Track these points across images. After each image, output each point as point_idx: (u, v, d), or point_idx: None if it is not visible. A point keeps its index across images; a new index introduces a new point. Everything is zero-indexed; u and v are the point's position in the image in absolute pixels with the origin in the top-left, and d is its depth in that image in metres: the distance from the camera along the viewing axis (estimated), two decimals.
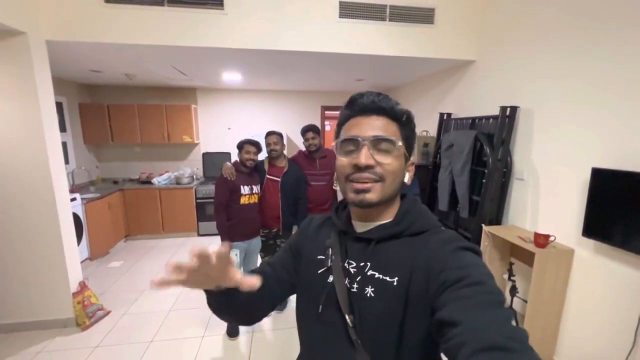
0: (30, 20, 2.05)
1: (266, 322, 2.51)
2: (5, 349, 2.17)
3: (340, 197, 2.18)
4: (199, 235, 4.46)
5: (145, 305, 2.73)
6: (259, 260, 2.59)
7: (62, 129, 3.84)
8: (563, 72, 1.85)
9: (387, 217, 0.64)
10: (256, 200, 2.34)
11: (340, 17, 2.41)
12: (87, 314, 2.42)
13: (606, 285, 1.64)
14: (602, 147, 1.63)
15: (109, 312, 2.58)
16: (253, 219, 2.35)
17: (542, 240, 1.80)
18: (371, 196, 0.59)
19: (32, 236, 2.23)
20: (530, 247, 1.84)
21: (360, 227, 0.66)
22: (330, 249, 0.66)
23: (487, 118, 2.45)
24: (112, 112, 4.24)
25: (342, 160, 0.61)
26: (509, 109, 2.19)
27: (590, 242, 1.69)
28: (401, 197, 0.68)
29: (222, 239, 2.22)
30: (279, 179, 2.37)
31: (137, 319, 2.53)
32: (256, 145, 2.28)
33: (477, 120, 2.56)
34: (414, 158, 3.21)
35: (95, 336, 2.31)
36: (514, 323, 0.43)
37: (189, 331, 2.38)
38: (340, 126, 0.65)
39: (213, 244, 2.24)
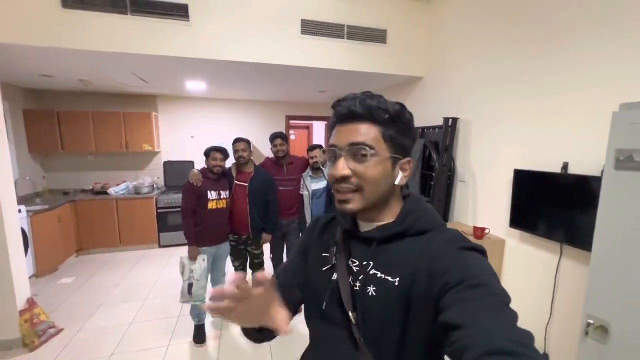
0: None
1: (237, 327, 2.52)
2: None
3: (307, 202, 2.32)
4: (160, 246, 4.31)
5: (102, 320, 2.60)
6: (228, 266, 2.61)
7: None
8: (493, 89, 2.20)
9: (390, 217, 0.63)
10: (224, 206, 2.39)
11: (302, 33, 2.60)
12: (36, 332, 2.26)
13: (529, 268, 1.95)
14: (522, 152, 1.97)
15: (61, 330, 2.42)
16: (221, 224, 2.39)
17: (479, 233, 2.09)
18: (351, 206, 0.60)
19: None
20: (471, 239, 2.11)
21: (364, 227, 0.66)
22: (335, 247, 0.67)
23: (434, 128, 2.76)
24: (63, 119, 4.00)
25: (329, 169, 0.62)
26: (450, 120, 2.51)
27: (517, 232, 2.00)
28: (405, 196, 0.67)
29: (190, 244, 2.24)
30: (246, 184, 2.44)
31: (94, 334, 2.41)
32: (223, 152, 2.35)
33: (425, 130, 2.87)
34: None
35: (46, 356, 2.16)
36: (518, 325, 0.43)
37: (153, 342, 2.32)
38: (330, 135, 0.65)
39: (184, 252, 2.24)
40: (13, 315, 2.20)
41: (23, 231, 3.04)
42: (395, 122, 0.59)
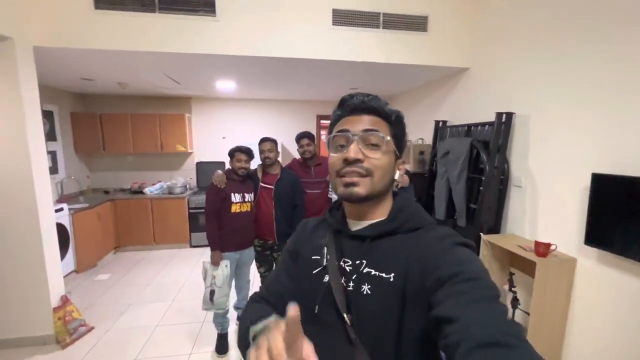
0: (18, 26, 2.01)
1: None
2: None
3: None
4: (191, 246, 4.35)
5: (131, 319, 2.61)
6: (253, 273, 2.49)
7: (52, 137, 3.77)
8: (557, 76, 1.83)
9: (381, 215, 0.64)
10: (249, 209, 2.26)
11: (333, 24, 2.41)
12: (68, 330, 2.29)
13: (611, 296, 1.57)
14: (601, 152, 1.59)
15: (92, 328, 2.45)
16: (245, 228, 2.27)
17: (542, 249, 1.74)
18: (359, 190, 0.60)
19: (11, 247, 2.14)
20: (531, 256, 1.77)
21: (354, 226, 0.66)
22: (325, 249, 0.66)
23: (483, 125, 2.42)
24: (105, 121, 4.19)
25: (333, 157, 0.63)
26: (504, 116, 2.16)
27: (593, 251, 1.63)
28: (393, 195, 0.69)
29: (212, 249, 2.14)
30: (272, 187, 2.30)
31: (121, 334, 2.41)
32: (247, 152, 2.23)
33: (472, 127, 2.53)
34: (410, 166, 3.17)
35: (76, 354, 2.19)
36: (509, 317, 0.43)
37: (176, 348, 2.26)
38: (332, 126, 0.67)
39: (207, 257, 2.16)
40: (47, 312, 2.25)
41: (64, 228, 3.19)
42: (399, 123, 0.65)
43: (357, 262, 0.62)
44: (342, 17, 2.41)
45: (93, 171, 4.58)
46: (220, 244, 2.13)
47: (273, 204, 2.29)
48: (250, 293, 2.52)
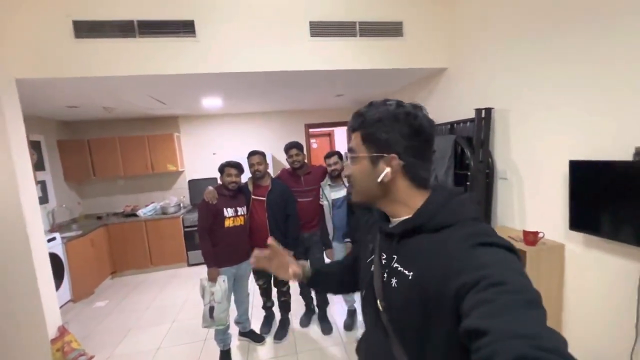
0: None
1: (264, 352, 2.37)
2: None
3: (327, 212, 2.15)
4: (189, 265, 4.31)
5: (131, 345, 2.57)
6: (252, 286, 2.49)
7: (41, 167, 3.75)
8: (532, 69, 1.90)
9: (407, 212, 0.65)
10: (242, 223, 2.27)
11: (311, 36, 2.47)
12: None
13: (601, 279, 1.61)
14: (577, 139, 1.65)
15: (92, 357, 2.41)
16: (240, 242, 2.28)
17: (531, 238, 1.78)
18: (352, 198, 0.74)
19: (3, 280, 2.10)
20: (521, 246, 1.81)
21: (392, 223, 0.69)
22: (373, 242, 0.75)
23: (465, 122, 2.48)
24: (93, 146, 4.18)
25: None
26: (484, 111, 2.23)
27: (580, 236, 1.67)
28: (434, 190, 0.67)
29: (209, 266, 2.14)
30: (264, 199, 2.32)
31: None
32: (237, 167, 2.25)
33: (455, 124, 2.59)
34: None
35: None
36: (544, 325, 0.41)
37: None
38: None
39: (204, 273, 2.16)
40: (45, 344, 2.20)
41: (58, 258, 3.15)
42: (368, 126, 0.65)
43: (390, 256, 0.66)
44: (320, 29, 2.47)
45: (84, 197, 4.54)
46: (216, 260, 2.13)
47: (266, 216, 2.31)
48: (250, 306, 2.53)
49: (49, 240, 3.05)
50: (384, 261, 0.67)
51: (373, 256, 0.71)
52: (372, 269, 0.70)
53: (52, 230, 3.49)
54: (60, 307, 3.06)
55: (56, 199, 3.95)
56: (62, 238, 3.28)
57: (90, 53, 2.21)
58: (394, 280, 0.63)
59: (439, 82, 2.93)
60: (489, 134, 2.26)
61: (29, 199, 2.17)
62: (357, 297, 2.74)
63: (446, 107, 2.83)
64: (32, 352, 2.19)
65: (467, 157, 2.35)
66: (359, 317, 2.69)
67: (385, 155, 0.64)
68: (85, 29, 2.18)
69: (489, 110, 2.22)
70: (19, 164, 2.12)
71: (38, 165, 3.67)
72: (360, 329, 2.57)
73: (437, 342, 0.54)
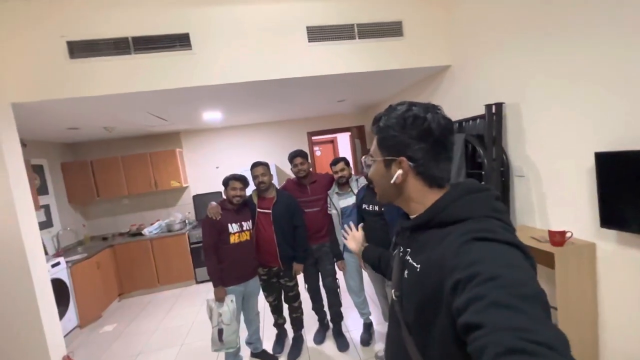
0: None
1: None
2: None
3: (336, 221, 2.04)
4: (197, 282, 4.22)
5: None
6: (262, 304, 2.38)
7: (45, 191, 3.72)
8: (545, 59, 1.79)
9: (422, 210, 0.67)
10: (248, 238, 2.18)
11: (309, 41, 2.41)
12: None
13: (638, 278, 1.47)
14: (602, 129, 1.53)
15: None
16: (247, 258, 2.18)
17: (558, 238, 1.65)
18: (378, 198, 0.78)
19: (4, 311, 2.03)
20: (547, 246, 1.68)
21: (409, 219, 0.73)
22: (395, 236, 0.82)
23: (474, 119, 2.38)
24: (96, 167, 4.16)
25: None
26: (494, 107, 2.12)
27: (612, 233, 1.54)
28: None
29: (215, 285, 2.04)
30: (270, 211, 2.23)
31: None
32: (242, 180, 2.17)
33: (463, 122, 2.49)
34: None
35: None
36: (542, 318, 0.41)
37: None
38: None
39: (211, 293, 2.06)
40: None
41: (63, 283, 3.08)
42: (386, 128, 0.69)
43: (405, 250, 0.71)
44: (317, 34, 2.41)
45: (89, 219, 4.50)
46: (222, 279, 2.04)
47: (273, 229, 2.21)
48: (261, 325, 2.41)
49: (53, 266, 2.99)
50: (401, 254, 0.72)
51: (396, 250, 0.78)
52: (393, 261, 0.78)
53: (57, 255, 3.44)
54: (67, 334, 2.98)
55: (61, 222, 3.92)
56: (67, 262, 3.21)
57: (85, 73, 2.17)
58: (406, 272, 0.67)
59: (442, 81, 2.84)
60: (501, 130, 2.15)
61: (28, 225, 2.11)
62: (372, 309, 2.61)
63: (452, 105, 2.73)
64: None
65: (479, 156, 2.24)
66: (376, 330, 2.55)
67: (395, 158, 0.67)
68: (80, 49, 2.15)
69: (499, 106, 2.12)
70: (17, 190, 2.06)
71: (41, 190, 3.65)
72: (378, 343, 2.43)
73: (436, 334, 0.56)
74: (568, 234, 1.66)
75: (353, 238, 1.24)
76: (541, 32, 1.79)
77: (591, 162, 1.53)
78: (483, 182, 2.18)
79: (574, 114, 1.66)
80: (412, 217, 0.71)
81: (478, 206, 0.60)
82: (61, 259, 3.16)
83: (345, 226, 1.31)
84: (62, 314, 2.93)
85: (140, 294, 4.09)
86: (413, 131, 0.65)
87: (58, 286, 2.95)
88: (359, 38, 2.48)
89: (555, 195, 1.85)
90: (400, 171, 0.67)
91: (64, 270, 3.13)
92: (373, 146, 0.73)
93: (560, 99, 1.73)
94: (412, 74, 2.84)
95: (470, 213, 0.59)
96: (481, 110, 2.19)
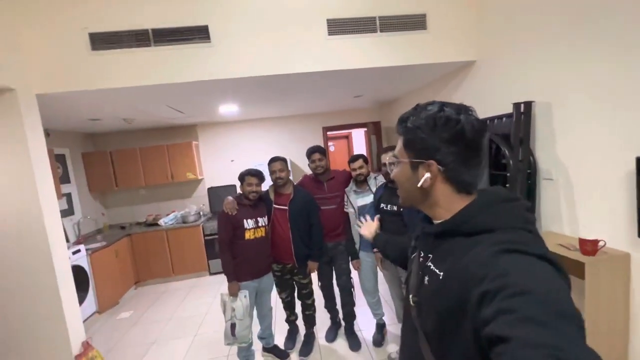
0: (20, 76, 2.04)
1: None
2: None
3: (352, 219, 2.01)
4: (210, 274, 4.28)
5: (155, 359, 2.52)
6: (275, 300, 2.37)
7: (66, 180, 3.83)
8: (581, 56, 1.68)
9: (447, 215, 0.65)
10: (263, 234, 2.17)
11: (329, 34, 2.34)
12: None
13: None
14: None
15: None
16: (261, 254, 2.17)
17: (589, 247, 1.56)
18: (400, 201, 0.74)
19: (26, 296, 2.10)
20: (576, 255, 1.59)
21: (433, 224, 0.71)
22: (414, 240, 0.80)
23: (499, 118, 2.27)
24: (115, 157, 4.24)
25: None
26: (523, 105, 2.01)
27: None
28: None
29: (229, 280, 2.04)
30: (286, 208, 2.20)
31: None
32: (258, 175, 2.15)
33: (487, 121, 2.38)
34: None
35: None
36: (575, 340, 0.38)
37: None
38: None
39: (225, 287, 2.07)
40: None
41: (83, 270, 3.17)
42: (414, 129, 0.64)
43: (426, 255, 0.68)
44: (338, 26, 2.35)
45: (108, 208, 4.62)
46: (236, 274, 2.04)
47: (289, 225, 2.19)
48: (274, 321, 2.42)
49: (74, 253, 3.08)
50: (421, 259, 0.70)
51: (415, 254, 0.75)
52: (412, 265, 0.75)
53: (77, 242, 3.54)
54: (86, 320, 3.07)
55: (82, 211, 4.03)
56: (87, 250, 3.31)
57: (106, 64, 2.19)
58: (426, 278, 0.65)
59: (466, 77, 2.72)
60: (530, 129, 2.04)
61: (50, 213, 2.16)
62: (385, 309, 2.57)
63: (475, 102, 2.58)
64: None
65: (503, 156, 2.14)
66: (389, 331, 2.51)
67: (424, 161, 0.64)
68: (101, 41, 2.16)
69: (528, 104, 2.01)
70: (40, 178, 2.11)
71: (64, 178, 3.75)
72: (390, 344, 2.40)
73: (457, 344, 0.54)
74: (601, 243, 1.56)
75: (368, 226, 1.32)
76: (579, 26, 1.67)
77: (632, 166, 1.42)
78: (507, 185, 2.09)
79: (614, 115, 1.55)
80: (435, 222, 0.69)
81: (509, 217, 0.58)
82: (81, 247, 3.25)
83: (361, 217, 1.40)
84: (81, 299, 3.02)
85: (156, 282, 4.19)
86: (444, 134, 0.62)
87: (78, 273, 3.04)
88: (381, 31, 2.39)
89: (587, 201, 1.75)
90: (428, 175, 0.63)
91: (84, 257, 3.23)
92: (398, 147, 0.69)
93: (599, 99, 1.61)
94: (435, 69, 2.73)
95: (501, 223, 0.57)
96: (507, 109, 2.09)
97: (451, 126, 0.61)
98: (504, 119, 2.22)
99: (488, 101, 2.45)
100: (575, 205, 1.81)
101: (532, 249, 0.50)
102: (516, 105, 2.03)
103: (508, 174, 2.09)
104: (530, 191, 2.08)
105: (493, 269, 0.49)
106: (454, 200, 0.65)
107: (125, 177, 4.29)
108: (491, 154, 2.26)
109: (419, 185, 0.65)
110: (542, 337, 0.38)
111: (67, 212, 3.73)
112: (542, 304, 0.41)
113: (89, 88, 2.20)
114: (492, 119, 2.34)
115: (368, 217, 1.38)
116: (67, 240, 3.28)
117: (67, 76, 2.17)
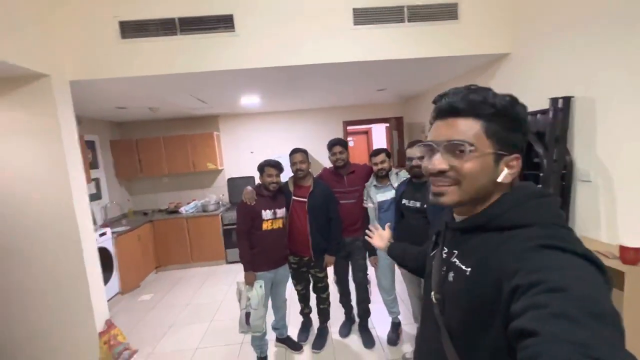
0: (54, 63, 2.11)
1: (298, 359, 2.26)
2: None
3: (372, 215, 1.95)
4: (227, 262, 4.36)
5: (171, 342, 2.60)
6: (290, 292, 2.37)
7: (95, 165, 4.00)
8: (629, 48, 1.54)
9: (479, 209, 0.62)
10: (281, 226, 2.16)
11: (355, 24, 2.28)
12: (113, 354, 2.31)
13: None
14: None
15: (135, 352, 2.47)
16: (278, 246, 2.17)
17: (631, 256, 1.44)
18: (445, 199, 0.61)
19: (56, 275, 2.20)
20: (616, 264, 1.47)
21: (458, 219, 0.67)
22: (436, 236, 0.76)
23: (533, 114, 2.13)
24: (140, 146, 4.38)
25: (425, 162, 0.64)
26: (561, 101, 1.88)
27: None
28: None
29: (245, 269, 2.06)
30: (305, 200, 2.18)
31: (163, 359, 2.39)
32: (277, 166, 2.14)
33: None
34: None
35: None
36: (614, 343, 0.36)
37: None
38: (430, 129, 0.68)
39: (241, 276, 2.09)
40: (93, 337, 2.28)
41: (108, 252, 3.31)
42: (502, 116, 0.58)
43: (451, 251, 0.65)
44: (364, 16, 2.28)
45: (133, 194, 4.79)
46: (253, 264, 2.05)
47: (307, 218, 2.17)
48: (288, 312, 2.43)
49: (101, 235, 3.21)
50: (444, 255, 0.67)
51: (436, 250, 0.73)
52: (433, 261, 0.72)
53: (104, 225, 3.69)
54: (110, 299, 3.21)
55: (109, 196, 4.20)
56: (112, 233, 3.44)
57: (135, 53, 2.23)
58: (451, 275, 0.63)
59: (498, 70, 2.58)
60: (567, 127, 1.90)
61: (79, 197, 2.25)
62: (401, 308, 2.51)
63: None
64: (81, 345, 2.28)
65: (536, 155, 2.01)
66: (404, 330, 2.46)
67: (507, 154, 0.58)
68: (131, 29, 2.20)
69: (567, 100, 1.87)
70: (71, 163, 2.20)
71: (92, 164, 3.92)
72: (405, 344, 2.35)
73: (485, 340, 0.53)
74: None
75: (380, 236, 1.23)
76: (629, 14, 1.52)
77: None
78: (539, 185, 1.96)
79: None
80: (460, 217, 0.66)
81: (546, 212, 0.55)
82: (107, 230, 3.39)
83: (371, 226, 1.29)
84: (106, 280, 3.16)
85: (175, 268, 4.32)
86: (523, 126, 0.60)
87: (104, 254, 3.17)
88: (409, 21, 2.30)
89: (630, 206, 1.61)
90: (511, 170, 0.58)
91: (109, 240, 3.36)
92: (474, 133, 0.57)
93: None
94: (465, 61, 2.61)
95: (537, 219, 0.54)
96: (542, 104, 1.96)
97: (524, 119, 0.60)
98: (539, 115, 2.08)
99: (522, 96, 2.24)
100: (616, 210, 1.68)
101: (572, 246, 0.47)
102: (553, 101, 1.90)
103: (541, 174, 1.97)
104: (564, 193, 1.95)
105: (528, 263, 0.47)
106: (498, 196, 0.61)
107: (150, 165, 4.42)
108: (523, 153, 2.13)
109: (499, 180, 0.58)
110: (574, 334, 0.36)
111: (95, 197, 3.89)
112: (578, 303, 0.39)
113: (119, 76, 2.26)
114: None
115: (378, 225, 1.28)
116: (95, 223, 3.42)
117: (99, 64, 2.23)
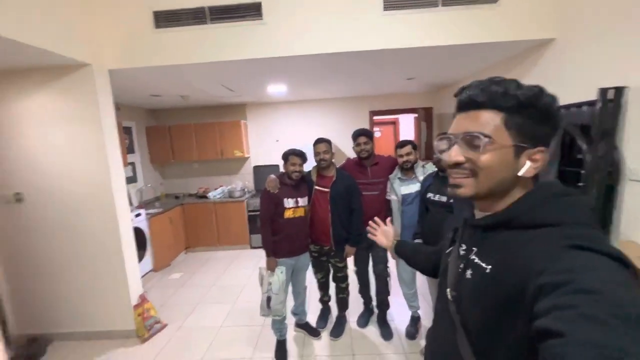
0: (94, 52, 2.24)
1: (320, 348, 2.31)
2: (76, 356, 2.32)
3: (395, 208, 1.91)
4: (252, 247, 4.50)
5: (198, 319, 2.76)
6: (310, 279, 2.42)
7: (131, 150, 4.24)
8: None
9: (502, 206, 0.60)
10: (302, 214, 2.19)
11: (385, 9, 2.19)
12: (146, 326, 2.50)
13: None
14: None
15: (165, 326, 2.65)
16: (299, 234, 2.20)
17: None
18: (462, 191, 0.61)
19: (96, 252, 2.40)
20: None
21: (478, 216, 0.66)
22: (453, 233, 0.75)
23: (578, 105, 1.96)
24: (173, 132, 4.57)
25: (444, 155, 0.64)
26: (611, 91, 1.71)
27: None
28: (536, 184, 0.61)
29: (267, 255, 2.11)
30: (328, 190, 2.19)
31: (189, 333, 2.55)
32: (301, 155, 2.15)
33: (563, 109, 2.07)
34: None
35: (152, 350, 2.37)
36: None
37: (237, 351, 2.30)
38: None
39: (263, 262, 2.15)
40: (128, 309, 2.48)
41: (142, 232, 3.53)
42: (526, 107, 0.55)
43: (470, 248, 0.64)
44: (394, 0, 2.18)
45: (166, 178, 5.05)
46: (274, 250, 2.10)
47: (329, 208, 2.18)
48: (308, 299, 2.49)
49: (137, 216, 3.43)
50: (462, 252, 0.66)
51: (452, 247, 0.71)
52: (449, 258, 0.70)
53: (139, 207, 3.94)
54: (143, 276, 3.45)
55: (144, 179, 4.46)
56: (147, 214, 3.67)
57: (167, 42, 2.31)
58: (468, 272, 0.61)
59: (541, 57, 2.38)
60: (617, 121, 1.73)
61: (117, 179, 2.41)
62: (422, 304, 2.48)
63: (550, 87, 2.26)
64: (117, 316, 2.49)
65: (579, 151, 1.86)
66: (424, 325, 2.43)
67: (529, 147, 0.56)
68: (164, 19, 2.27)
69: (620, 90, 1.69)
70: (110, 147, 2.35)
71: (129, 149, 4.16)
72: (424, 338, 2.32)
73: (506, 339, 0.51)
74: None
75: (383, 233, 1.17)
76: None
77: None
78: (581, 183, 1.83)
79: None
80: (481, 213, 0.64)
81: (575, 211, 0.53)
82: (142, 211, 3.61)
83: (371, 222, 1.21)
84: (140, 258, 3.38)
85: (202, 250, 4.54)
86: (552, 120, 0.57)
87: (138, 234, 3.39)
88: (443, 5, 2.18)
89: None
90: (535, 164, 0.56)
91: (143, 220, 3.59)
92: (493, 125, 0.56)
93: None
94: (504, 48, 2.43)
95: (565, 218, 0.52)
96: (590, 95, 1.79)
97: (554, 111, 0.56)
98: (584, 107, 1.91)
99: (566, 86, 2.13)
100: None
101: (606, 248, 0.45)
102: (603, 91, 1.73)
103: (582, 171, 1.82)
104: (609, 192, 1.79)
105: (556, 263, 0.45)
106: (521, 191, 0.59)
107: (181, 151, 4.62)
108: (564, 147, 1.98)
109: (520, 173, 0.56)
110: (601, 337, 0.35)
111: (131, 180, 4.15)
112: (609, 305, 0.37)
113: (153, 64, 2.35)
114: (568, 106, 2.03)
115: (379, 221, 1.20)
116: (131, 204, 3.66)
117: (134, 53, 2.33)
